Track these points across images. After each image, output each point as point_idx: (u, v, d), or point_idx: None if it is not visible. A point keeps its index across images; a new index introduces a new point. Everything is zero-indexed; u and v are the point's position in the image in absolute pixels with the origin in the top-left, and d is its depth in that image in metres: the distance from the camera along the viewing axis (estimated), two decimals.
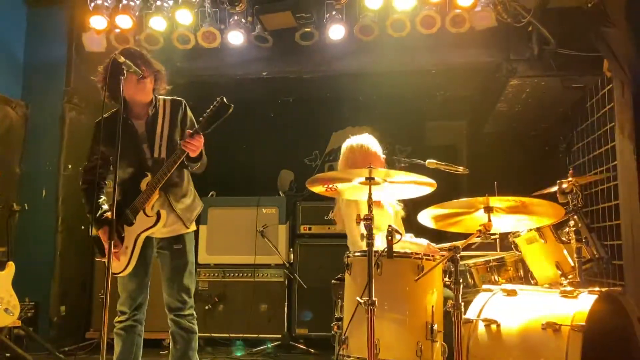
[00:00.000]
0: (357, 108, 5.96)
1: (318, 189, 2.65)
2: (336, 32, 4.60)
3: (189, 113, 3.09)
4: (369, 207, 2.45)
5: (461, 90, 5.42)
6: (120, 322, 2.97)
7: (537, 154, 5.52)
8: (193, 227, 3.10)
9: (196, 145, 2.79)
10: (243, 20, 4.67)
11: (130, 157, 2.93)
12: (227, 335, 4.94)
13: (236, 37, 4.68)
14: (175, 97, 3.10)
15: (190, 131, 2.81)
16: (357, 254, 2.69)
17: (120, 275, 2.94)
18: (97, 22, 4.72)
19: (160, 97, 3.07)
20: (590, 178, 4.08)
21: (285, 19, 4.62)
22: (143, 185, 2.92)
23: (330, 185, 2.59)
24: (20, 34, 5.17)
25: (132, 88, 2.89)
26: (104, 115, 2.91)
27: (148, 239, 2.98)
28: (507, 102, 5.08)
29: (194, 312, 3.06)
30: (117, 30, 4.73)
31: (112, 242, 2.61)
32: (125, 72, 2.74)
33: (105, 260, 2.85)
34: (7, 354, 4.17)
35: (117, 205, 2.73)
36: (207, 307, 4.97)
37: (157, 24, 4.67)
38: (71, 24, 5.06)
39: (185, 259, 3.03)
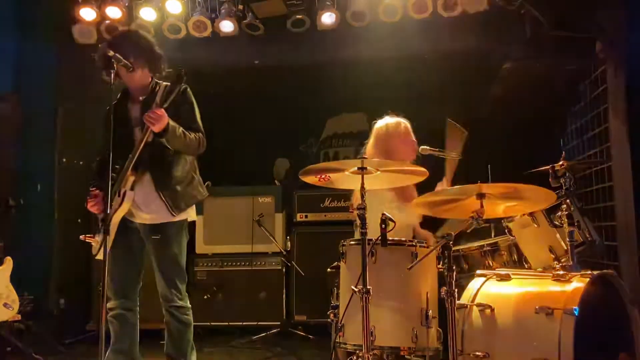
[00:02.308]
0: (351, 94, 5.92)
1: (311, 179, 2.66)
2: (328, 18, 4.58)
3: (189, 97, 3.00)
4: (362, 196, 2.47)
5: (455, 75, 5.39)
6: (110, 309, 2.95)
7: (531, 136, 5.51)
8: (184, 217, 3.00)
9: (154, 118, 2.69)
10: (234, 8, 4.65)
11: (123, 143, 2.86)
12: (227, 323, 4.97)
13: (227, 26, 4.66)
14: (181, 84, 2.95)
15: (157, 101, 2.76)
16: (351, 242, 2.71)
17: (96, 257, 2.85)
18: (87, 13, 4.70)
19: (163, 82, 2.99)
20: (582, 164, 4.11)
21: (275, 6, 4.60)
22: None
23: (323, 175, 2.60)
24: (10, 27, 5.12)
25: (123, 78, 2.93)
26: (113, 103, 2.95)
27: (130, 227, 2.94)
28: (501, 85, 5.07)
29: (188, 304, 3.01)
30: (107, 22, 4.71)
31: (106, 236, 2.62)
32: (115, 65, 2.75)
33: (91, 241, 2.89)
34: (8, 348, 4.20)
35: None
36: (205, 297, 5.00)
37: (147, 14, 4.65)
38: (61, 16, 5.01)
39: (166, 250, 2.94)
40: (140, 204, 2.93)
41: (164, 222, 2.93)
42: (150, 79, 3.01)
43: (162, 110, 2.72)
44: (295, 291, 5.03)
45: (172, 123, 2.77)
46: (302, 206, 5.23)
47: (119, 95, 3.06)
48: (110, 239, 2.80)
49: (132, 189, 2.87)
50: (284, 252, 5.05)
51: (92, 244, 2.89)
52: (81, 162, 5.19)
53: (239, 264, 5.11)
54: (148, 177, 2.92)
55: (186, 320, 2.99)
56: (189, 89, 3.02)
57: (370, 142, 3.39)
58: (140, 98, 2.98)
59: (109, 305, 2.94)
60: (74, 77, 5.12)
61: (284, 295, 5.02)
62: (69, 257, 5.02)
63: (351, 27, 4.63)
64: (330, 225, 5.11)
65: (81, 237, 2.91)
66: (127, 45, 2.91)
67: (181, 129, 2.84)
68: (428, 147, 3.44)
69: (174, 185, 2.95)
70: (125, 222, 2.93)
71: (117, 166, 2.87)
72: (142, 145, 2.80)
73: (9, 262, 4.14)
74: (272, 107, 5.95)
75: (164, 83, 2.99)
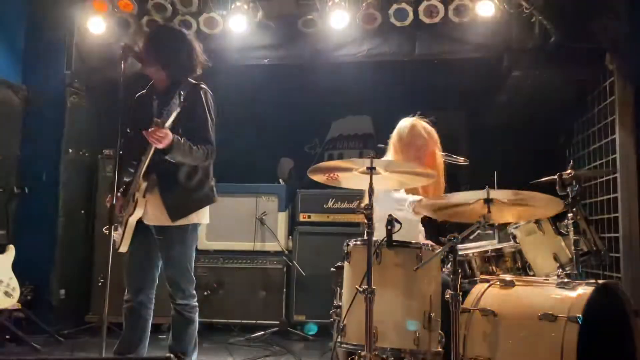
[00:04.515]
0: (358, 96, 5.92)
1: (319, 177, 2.66)
2: (339, 19, 4.58)
3: (206, 103, 2.93)
4: (369, 196, 2.47)
5: (462, 81, 5.41)
6: (125, 301, 2.98)
7: (537, 145, 5.52)
8: (188, 222, 2.95)
9: (157, 137, 2.66)
10: (245, 6, 4.65)
11: (139, 139, 2.87)
12: (226, 321, 4.97)
13: (238, 24, 4.67)
14: (201, 84, 2.97)
15: (158, 120, 2.70)
16: (356, 242, 2.71)
17: (119, 250, 2.93)
18: (99, 5, 4.70)
19: (192, 81, 2.96)
20: (589, 173, 4.11)
21: (287, 5, 4.61)
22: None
23: (332, 174, 2.60)
24: (21, 16, 5.13)
25: (143, 70, 2.96)
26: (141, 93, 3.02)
27: (146, 226, 2.95)
28: (508, 93, 5.07)
29: (192, 302, 3.00)
30: (118, 15, 4.72)
31: (112, 228, 2.64)
32: (126, 56, 2.79)
33: (113, 234, 2.87)
34: (7, 337, 4.20)
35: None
36: (206, 293, 5.00)
37: (159, 9, 4.65)
38: (72, 7, 5.02)
39: (169, 252, 2.94)
40: (147, 206, 2.93)
41: (166, 226, 2.92)
42: (166, 76, 2.95)
43: (165, 131, 2.67)
44: (295, 291, 5.03)
45: (177, 140, 2.73)
46: (306, 206, 5.22)
47: (149, 86, 3.05)
48: (127, 240, 2.87)
49: (144, 194, 2.88)
50: (286, 252, 5.05)
51: (114, 237, 2.88)
52: (87, 154, 5.21)
53: (240, 261, 5.11)
54: (155, 180, 2.91)
55: (188, 317, 2.99)
56: (209, 94, 2.97)
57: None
58: (155, 96, 2.98)
59: (125, 297, 2.98)
60: (82, 68, 5.12)
61: (284, 295, 5.01)
62: (71, 247, 5.03)
63: (361, 29, 4.64)
64: (333, 226, 5.11)
65: (104, 229, 2.86)
66: (147, 40, 2.95)
67: (188, 144, 2.79)
68: None
69: (177, 192, 2.92)
70: (142, 221, 2.95)
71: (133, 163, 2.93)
72: (149, 157, 2.80)
73: (11, 250, 4.16)
74: (279, 106, 5.95)
75: (192, 82, 2.94)
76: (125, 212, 2.92)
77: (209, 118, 2.95)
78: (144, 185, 2.87)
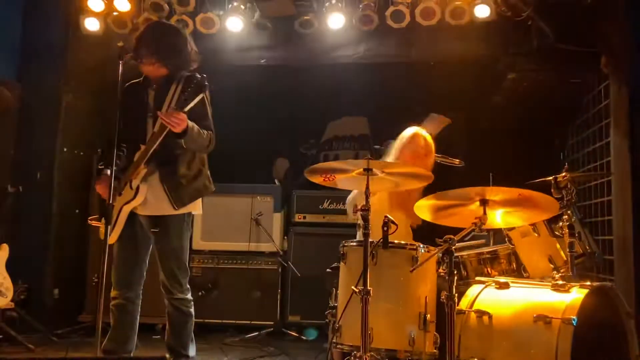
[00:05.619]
0: (354, 98, 5.93)
1: (316, 178, 2.66)
2: (335, 21, 4.59)
3: (205, 96, 2.92)
4: (366, 197, 2.47)
5: (459, 83, 5.42)
6: (113, 298, 2.96)
7: (532, 147, 5.54)
8: (186, 210, 2.99)
9: (175, 121, 2.68)
10: (242, 6, 4.65)
11: (135, 127, 2.90)
12: (220, 321, 4.96)
13: (235, 24, 4.66)
14: (197, 74, 2.92)
15: (173, 106, 2.74)
16: (352, 243, 2.72)
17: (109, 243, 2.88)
18: (95, 4, 4.70)
19: (184, 76, 2.96)
20: (584, 176, 4.13)
21: (284, 6, 4.61)
22: (136, 157, 2.90)
23: (328, 175, 2.60)
24: (17, 15, 5.10)
25: (139, 67, 2.96)
26: (132, 82, 3.02)
27: (136, 219, 2.95)
28: (504, 95, 5.09)
29: (189, 296, 3.02)
30: (115, 14, 4.71)
31: (110, 226, 2.63)
32: (123, 56, 2.78)
33: (98, 225, 2.89)
34: (0, 336, 4.18)
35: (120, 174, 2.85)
36: (200, 293, 4.98)
37: (156, 8, 4.64)
38: (69, 6, 5.00)
39: (167, 244, 2.95)
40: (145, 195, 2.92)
41: (165, 215, 2.93)
42: (165, 71, 2.96)
43: (184, 114, 2.70)
44: (290, 292, 5.02)
45: (190, 125, 2.77)
46: (301, 207, 5.22)
47: (142, 77, 3.05)
48: (118, 230, 2.84)
49: (143, 181, 2.88)
50: (281, 252, 5.04)
51: (101, 228, 2.87)
52: (82, 153, 5.18)
53: (235, 261, 5.09)
54: (154, 167, 2.92)
55: (187, 311, 3.00)
56: (206, 84, 2.98)
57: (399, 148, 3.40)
58: (150, 87, 2.99)
59: (111, 294, 2.95)
60: (78, 67, 5.10)
61: (279, 296, 5.01)
62: (65, 247, 5.00)
63: (358, 30, 4.64)
64: (328, 227, 5.11)
65: (89, 219, 2.90)
66: (141, 37, 2.94)
67: (197, 128, 2.83)
68: None
69: (178, 179, 2.94)
70: (132, 214, 2.94)
71: (122, 150, 2.91)
72: (158, 141, 2.80)
73: (4, 249, 4.12)
74: (274, 107, 5.94)
75: (185, 77, 2.93)
76: (118, 199, 2.88)
77: (208, 106, 3.00)
78: (143, 172, 2.87)
